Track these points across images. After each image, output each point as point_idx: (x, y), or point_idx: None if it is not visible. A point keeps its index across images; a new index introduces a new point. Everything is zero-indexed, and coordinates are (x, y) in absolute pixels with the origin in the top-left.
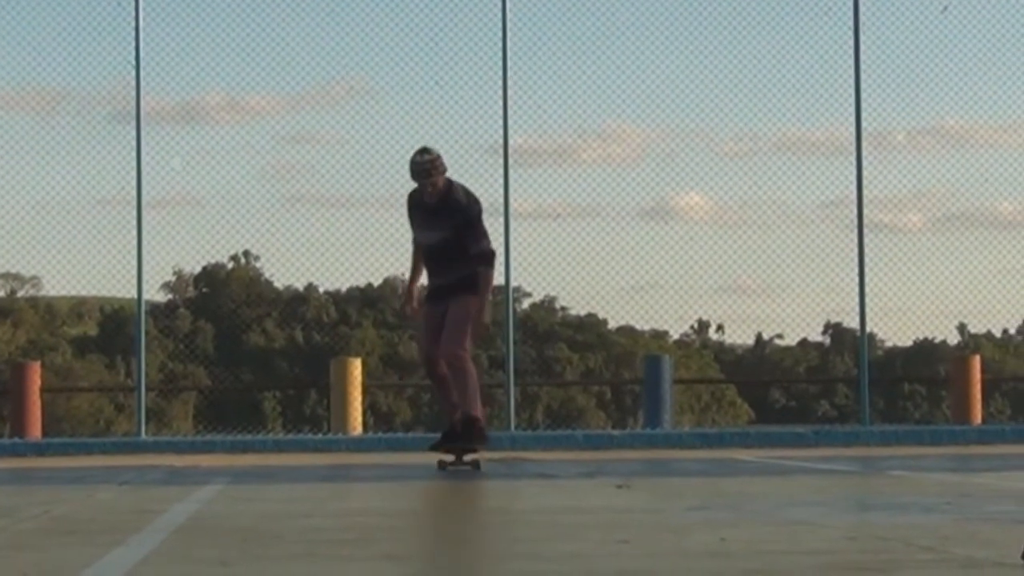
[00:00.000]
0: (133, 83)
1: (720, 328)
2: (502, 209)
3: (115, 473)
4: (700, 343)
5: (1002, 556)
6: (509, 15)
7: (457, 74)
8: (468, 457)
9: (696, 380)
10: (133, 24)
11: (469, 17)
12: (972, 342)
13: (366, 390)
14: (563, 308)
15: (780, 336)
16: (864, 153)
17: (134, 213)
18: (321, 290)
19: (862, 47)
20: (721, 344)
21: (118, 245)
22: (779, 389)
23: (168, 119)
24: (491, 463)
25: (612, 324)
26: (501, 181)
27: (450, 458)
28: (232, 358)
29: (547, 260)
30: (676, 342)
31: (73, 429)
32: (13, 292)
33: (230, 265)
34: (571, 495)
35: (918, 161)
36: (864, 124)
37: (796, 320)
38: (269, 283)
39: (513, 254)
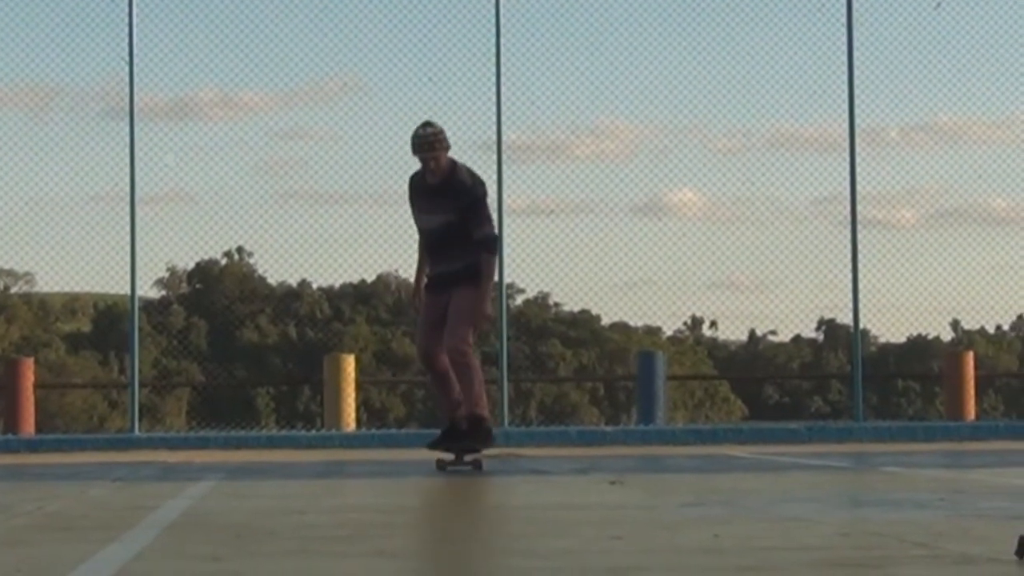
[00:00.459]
0: (126, 79)
1: (713, 324)
2: (496, 206)
3: (108, 469)
4: (693, 339)
5: (996, 552)
6: (502, 11)
7: (450, 70)
8: (469, 457)
9: (689, 376)
10: (126, 20)
11: (462, 13)
12: (966, 338)
13: (359, 386)
14: (556, 304)
15: (774, 332)
16: (857, 149)
17: (127, 209)
18: (314, 286)
19: (855, 43)
20: (714, 340)
21: (111, 241)
22: (772, 385)
23: (161, 115)
24: (485, 460)
25: (605, 320)
26: (495, 177)
27: (449, 457)
28: (225, 354)
29: (540, 256)
30: (669, 338)
31: (66, 425)
32: (6, 288)
33: (224, 261)
34: (564, 491)
35: (911, 157)
36: (857, 120)
37: (790, 316)
38: (262, 279)
39: (507, 250)
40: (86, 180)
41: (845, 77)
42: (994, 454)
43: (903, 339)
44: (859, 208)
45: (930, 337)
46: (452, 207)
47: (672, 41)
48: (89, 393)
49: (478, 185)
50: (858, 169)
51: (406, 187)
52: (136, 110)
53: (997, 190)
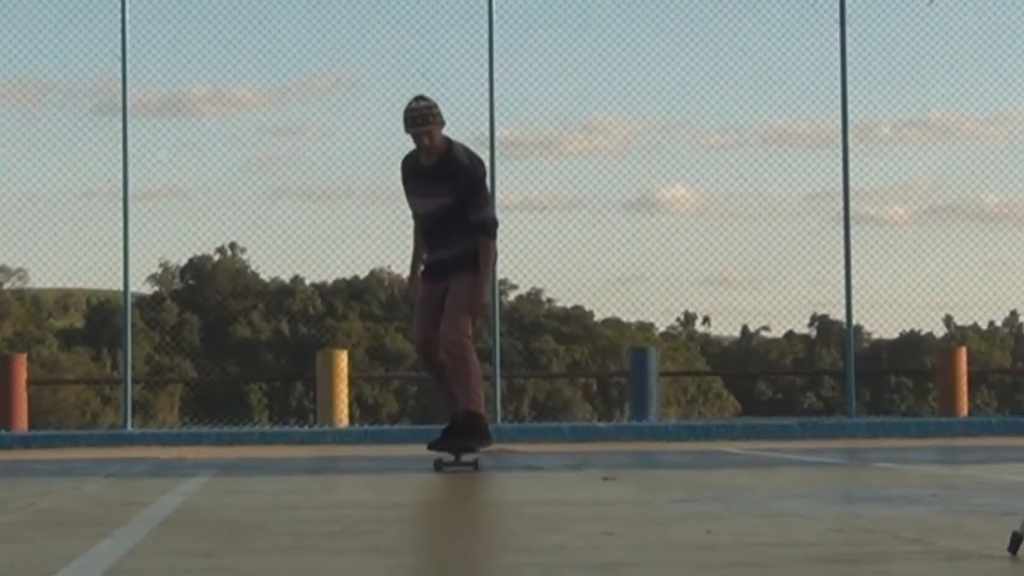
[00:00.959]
0: (118, 75)
1: (706, 320)
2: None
3: (101, 465)
4: (686, 335)
5: (988, 548)
6: (495, 6)
7: (443, 66)
8: (467, 457)
9: (682, 372)
10: (119, 16)
11: (455, 8)
12: (958, 334)
13: (352, 382)
14: (549, 300)
15: (766, 328)
16: (849, 145)
17: (120, 205)
18: (307, 282)
19: (848, 39)
20: (707, 336)
21: (104, 237)
22: (765, 381)
23: (153, 111)
24: (488, 447)
25: (598, 316)
26: (488, 174)
27: (449, 458)
28: (218, 350)
29: (533, 252)
30: (662, 334)
31: (59, 421)
32: None
33: (216, 257)
34: (557, 487)
35: (903, 153)
36: (850, 116)
37: (782, 312)
38: (255, 275)
39: (499, 246)
40: (79, 176)
41: (838, 73)
42: (987, 450)
43: (896, 335)
44: (851, 204)
45: (923, 333)
46: (449, 190)
47: (664, 36)
48: (82, 389)
49: (476, 165)
50: (850, 165)
51: (399, 170)
52: (129, 106)
53: (989, 186)
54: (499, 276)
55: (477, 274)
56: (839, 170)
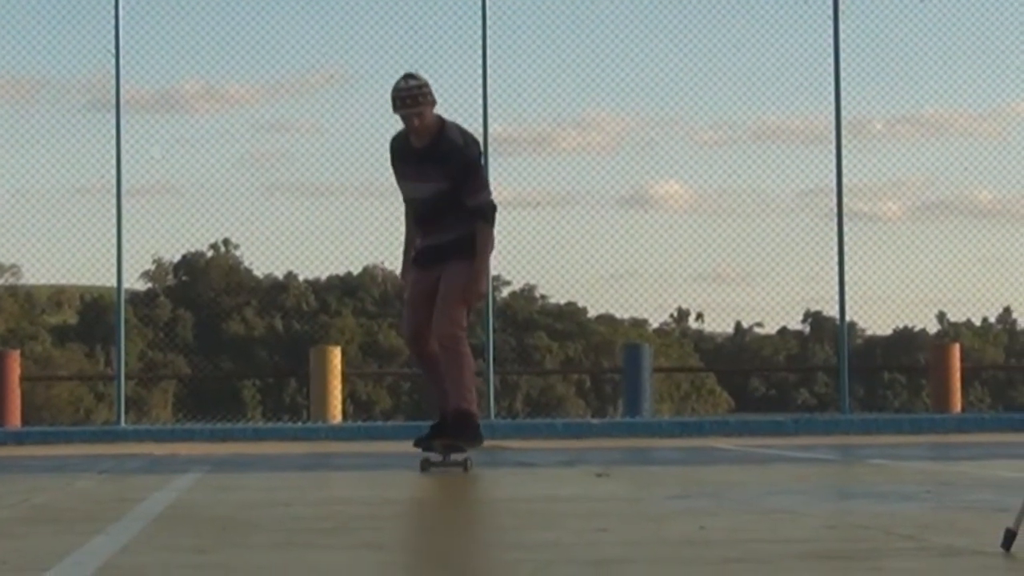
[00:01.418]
0: (111, 71)
1: (699, 317)
2: None
3: (94, 462)
4: (679, 332)
5: (981, 544)
6: (488, 3)
7: (436, 62)
8: (456, 456)
9: (676, 369)
10: (112, 13)
11: (448, 5)
12: (952, 330)
13: (346, 378)
14: (543, 297)
15: (760, 324)
16: (843, 141)
17: (114, 201)
18: (301, 278)
19: (841, 35)
20: (700, 333)
21: (98, 233)
22: (759, 378)
23: (146, 107)
24: (478, 447)
25: (592, 313)
26: None
27: (437, 458)
28: (212, 346)
29: (526, 248)
30: (656, 331)
31: (52, 418)
32: None
33: (210, 253)
34: (550, 484)
35: (896, 150)
36: (843, 112)
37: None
38: (249, 271)
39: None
40: (72, 172)
41: (831, 69)
42: (980, 446)
43: (889, 331)
44: (845, 200)
45: (916, 329)
46: (442, 173)
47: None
48: (75, 385)
49: (471, 145)
50: (844, 161)
51: (387, 150)
52: (122, 102)
53: (982, 182)
54: (492, 272)
55: (473, 261)
56: (832, 166)
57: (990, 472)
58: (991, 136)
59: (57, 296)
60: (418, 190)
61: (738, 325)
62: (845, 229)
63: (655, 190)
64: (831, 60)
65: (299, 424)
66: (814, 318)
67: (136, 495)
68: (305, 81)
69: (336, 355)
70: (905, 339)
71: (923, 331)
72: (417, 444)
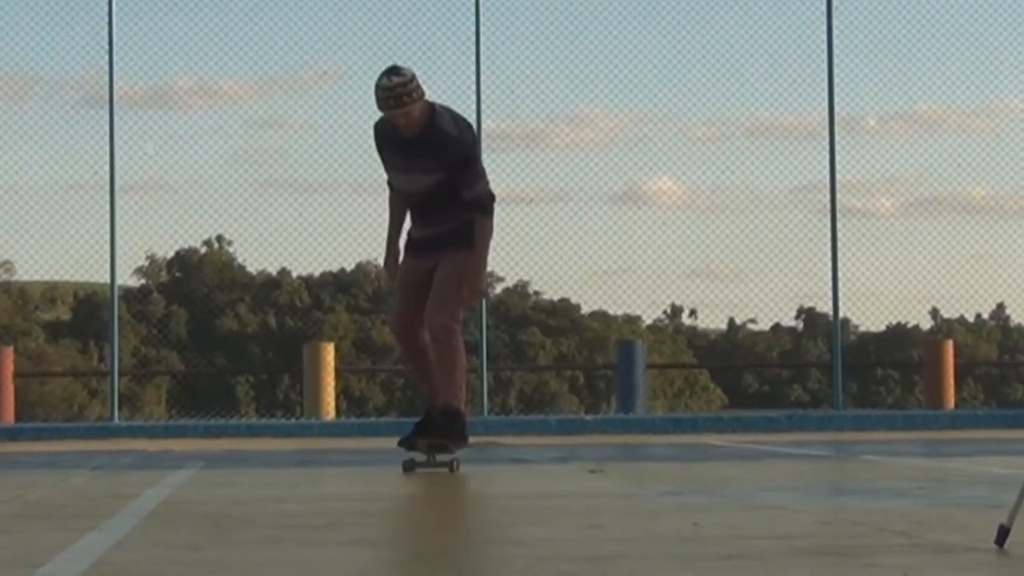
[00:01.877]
0: (104, 68)
1: (693, 313)
2: None
3: (88, 458)
4: (673, 328)
5: (975, 541)
6: None
7: (429, 58)
8: (442, 457)
9: (669, 365)
10: (105, 9)
11: (441, 1)
12: (945, 327)
13: (339, 375)
14: (536, 293)
15: (753, 321)
16: (836, 137)
17: (107, 198)
18: (294, 275)
19: (834, 31)
20: (694, 329)
21: (91, 230)
22: (752, 374)
23: (138, 104)
24: (463, 449)
25: (585, 309)
26: None
27: (421, 458)
28: (205, 343)
29: (520, 245)
30: (649, 327)
31: (46, 414)
32: None
33: (203, 250)
34: (544, 480)
35: (889, 146)
36: (836, 108)
37: (769, 305)
38: (242, 268)
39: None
40: (65, 168)
41: (824, 65)
42: (973, 443)
43: (882, 328)
44: (838, 197)
45: (909, 326)
46: (437, 164)
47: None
48: (69, 382)
49: (465, 133)
50: (837, 158)
51: (372, 136)
52: (115, 98)
53: (976, 178)
54: (487, 267)
55: (471, 251)
56: (825, 162)
57: (983, 468)
58: (984, 132)
59: (50, 292)
60: (410, 182)
61: (731, 321)
62: (838, 225)
63: (648, 186)
64: (824, 56)
65: (292, 420)
66: (807, 314)
67: (130, 491)
68: (298, 77)
69: (329, 351)
70: (898, 335)
71: (916, 327)
72: (401, 444)
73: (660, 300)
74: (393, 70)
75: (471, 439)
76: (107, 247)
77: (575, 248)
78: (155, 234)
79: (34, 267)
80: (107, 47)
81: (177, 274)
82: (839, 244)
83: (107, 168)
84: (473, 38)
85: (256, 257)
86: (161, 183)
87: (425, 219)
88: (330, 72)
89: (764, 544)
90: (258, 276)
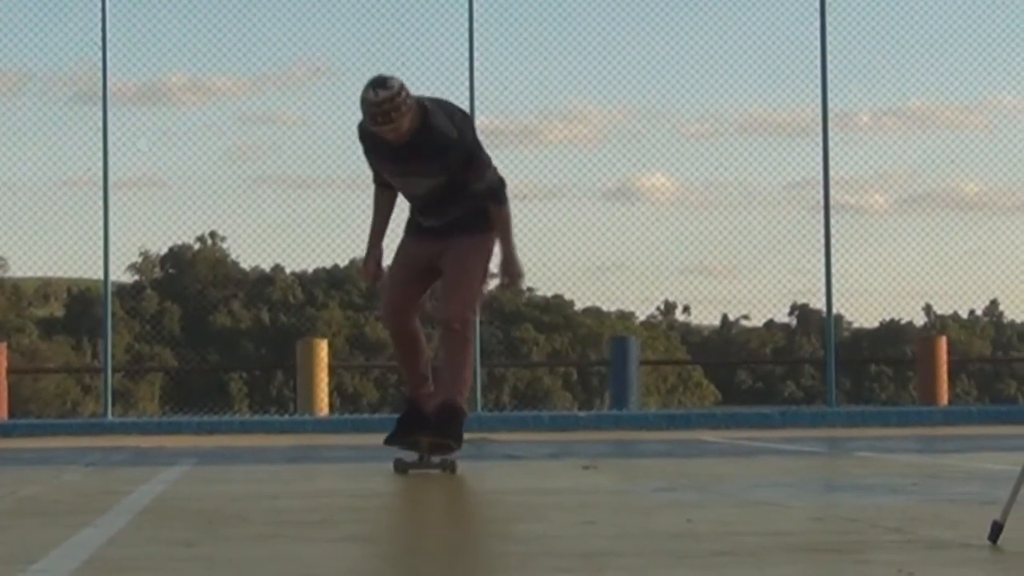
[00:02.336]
0: (97, 64)
1: (686, 309)
2: None
3: (81, 454)
4: (666, 324)
5: (968, 537)
6: None
7: (422, 55)
8: (440, 458)
9: (662, 361)
10: (98, 5)
11: None
12: (938, 323)
13: (332, 371)
14: (529, 289)
15: (746, 317)
16: (829, 134)
17: (100, 194)
18: (287, 271)
19: (828, 27)
20: (687, 325)
21: (84, 226)
22: (745, 370)
23: (132, 100)
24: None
25: (578, 305)
26: None
27: (412, 457)
28: (198, 339)
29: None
30: (642, 323)
31: (39, 410)
32: None
33: (196, 246)
34: (537, 476)
35: (882, 142)
36: (829, 105)
37: (762, 301)
38: (235, 264)
39: None
40: (59, 165)
41: (817, 61)
42: (967, 439)
43: (876, 324)
44: (831, 193)
45: (903, 322)
46: (437, 168)
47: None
48: (62, 378)
49: (464, 128)
50: (830, 154)
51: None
52: (108, 95)
53: (969, 174)
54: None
55: (489, 234)
56: (819, 159)
57: (977, 465)
58: (977, 128)
59: (44, 289)
60: (409, 185)
61: (725, 318)
62: (832, 221)
63: (641, 183)
64: (818, 52)
65: (286, 417)
66: (801, 311)
67: (123, 488)
68: (291, 74)
69: (323, 348)
70: (892, 332)
71: (910, 324)
72: (393, 442)
73: (653, 296)
74: (379, 82)
75: (463, 435)
76: (100, 243)
77: (568, 244)
78: (148, 230)
79: (27, 263)
80: (100, 43)
81: (170, 270)
82: (832, 240)
83: (100, 164)
84: (466, 33)
85: (249, 253)
86: (154, 179)
87: (431, 213)
88: (323, 68)
89: (757, 540)
90: (251, 272)
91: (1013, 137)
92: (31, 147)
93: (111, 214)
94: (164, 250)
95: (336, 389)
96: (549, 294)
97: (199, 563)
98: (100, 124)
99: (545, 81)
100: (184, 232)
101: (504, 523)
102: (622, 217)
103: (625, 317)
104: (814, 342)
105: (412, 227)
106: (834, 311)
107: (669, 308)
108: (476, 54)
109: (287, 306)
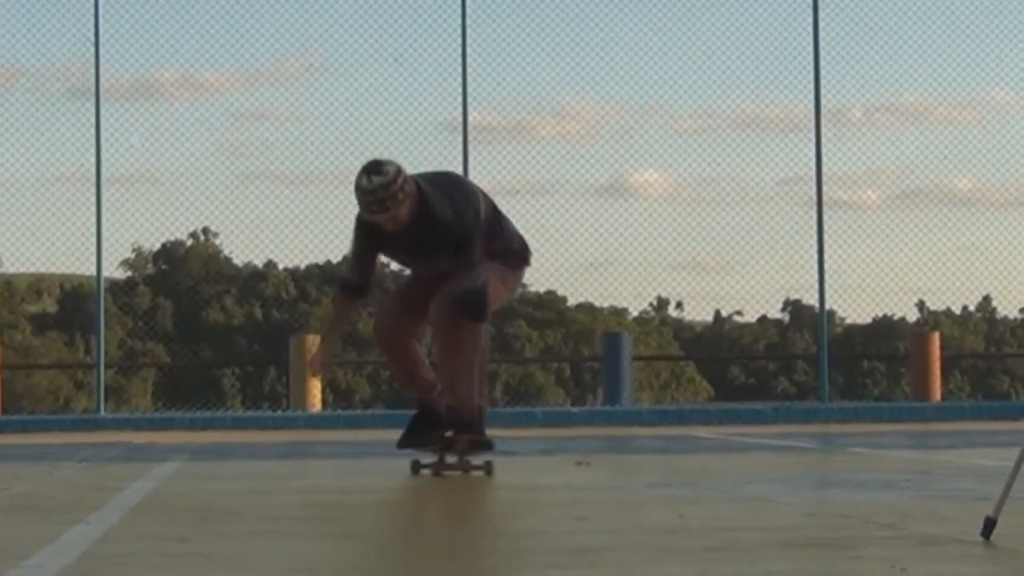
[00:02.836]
0: (89, 60)
1: (679, 305)
2: None
3: (74, 450)
4: (659, 320)
5: (961, 533)
6: None
7: (415, 51)
8: (477, 459)
9: (655, 357)
10: (91, 1)
11: None
12: (931, 319)
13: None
14: (522, 285)
15: (739, 313)
16: (822, 130)
17: (93, 190)
18: (280, 267)
19: (820, 23)
20: (680, 321)
21: (77, 222)
22: (738, 366)
23: (124, 96)
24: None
25: (571, 301)
26: (460, 158)
27: (432, 458)
28: (191, 335)
29: None
30: (635, 319)
31: (32, 406)
32: None
33: (189, 242)
34: (530, 472)
35: (875, 138)
36: (822, 101)
37: (755, 297)
38: (228, 260)
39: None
40: (51, 161)
41: (810, 57)
42: (960, 435)
43: (869, 320)
44: (824, 189)
45: (896, 318)
46: (436, 252)
47: (635, 20)
48: (55, 374)
49: (463, 214)
50: (823, 150)
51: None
52: (100, 90)
53: (961, 171)
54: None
55: (516, 271)
56: (811, 155)
57: (969, 461)
58: (970, 124)
59: (37, 285)
60: (411, 265)
61: (717, 314)
62: (824, 217)
63: (634, 178)
64: (810, 48)
65: (279, 413)
66: (794, 306)
67: (116, 484)
68: (283, 69)
69: (315, 344)
70: (885, 327)
71: (903, 319)
72: (407, 443)
73: (646, 292)
74: (373, 168)
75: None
76: (93, 239)
77: (561, 240)
78: (141, 226)
79: (20, 259)
80: (93, 39)
81: (163, 266)
82: (825, 236)
83: (93, 160)
84: (459, 30)
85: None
86: (147, 175)
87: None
88: (315, 64)
89: (750, 536)
90: (244, 268)
91: (1006, 133)
92: (23, 143)
93: (104, 210)
94: (157, 246)
95: (329, 385)
96: (542, 290)
97: (192, 559)
98: (93, 120)
99: (537, 77)
100: (177, 228)
101: (497, 519)
102: (615, 213)
103: (618, 313)
104: (807, 338)
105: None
106: (827, 307)
107: (662, 304)
108: (469, 50)
109: (280, 302)
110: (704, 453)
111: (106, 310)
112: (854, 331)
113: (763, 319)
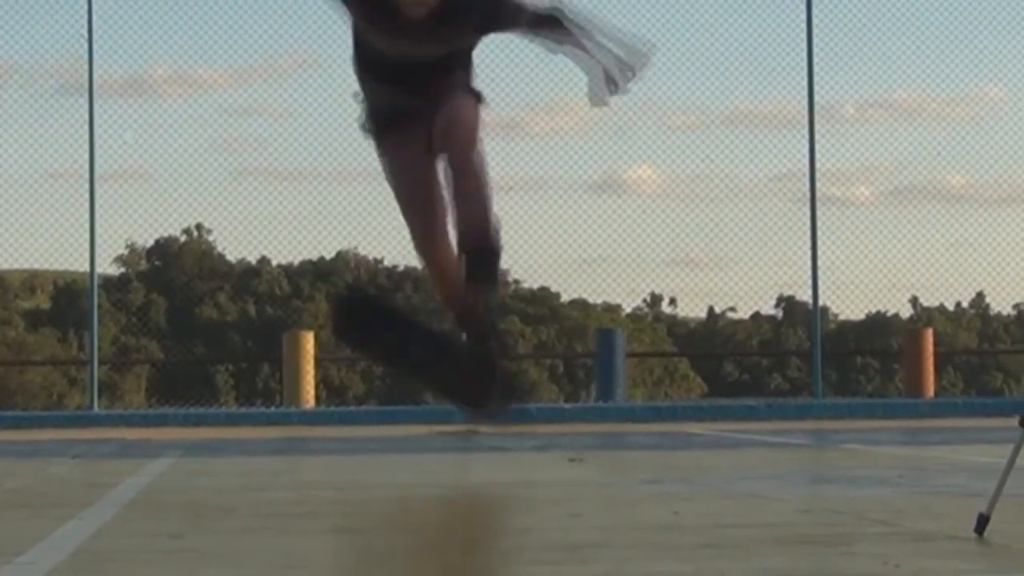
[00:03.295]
0: (82, 56)
1: (672, 301)
2: None
3: (67, 447)
4: (652, 316)
5: (954, 529)
6: None
7: None
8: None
9: (648, 353)
10: None
11: None
12: (924, 315)
13: (319, 363)
14: (515, 281)
15: (732, 309)
16: (815, 126)
17: (86, 186)
18: (274, 263)
19: (814, 19)
20: (674, 317)
21: (70, 218)
22: (732, 362)
23: (117, 92)
24: (443, 437)
25: (564, 297)
26: None
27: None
28: (185, 331)
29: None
30: (628, 315)
31: (25, 403)
32: None
33: (183, 238)
34: (523, 468)
35: (868, 134)
36: (815, 97)
37: (748, 293)
38: (222, 256)
39: None
40: (44, 157)
41: (803, 53)
42: (953, 431)
43: (862, 316)
44: (817, 185)
45: (889, 314)
46: (460, 32)
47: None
48: (48, 370)
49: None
50: (816, 146)
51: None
52: (94, 86)
53: (954, 167)
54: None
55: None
56: (804, 151)
57: (963, 457)
58: (962, 121)
59: (30, 281)
60: (409, 48)
61: (711, 310)
62: (818, 214)
63: (627, 175)
64: (803, 44)
65: (272, 409)
66: (787, 303)
67: (109, 480)
68: (276, 65)
69: (309, 340)
70: (878, 324)
71: (896, 316)
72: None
73: (639, 288)
74: None
75: (451, 428)
76: (86, 236)
77: (554, 237)
78: (134, 222)
79: (13, 256)
80: (86, 35)
81: (156, 263)
82: (818, 232)
83: (86, 156)
84: None
85: (236, 245)
86: (140, 171)
87: (405, 85)
88: (308, 60)
89: (744, 532)
90: (237, 264)
91: (998, 129)
92: (16, 139)
93: (97, 206)
94: (150, 242)
95: (322, 381)
96: (535, 286)
97: (186, 556)
98: (86, 116)
99: (529, 73)
100: (170, 224)
101: (490, 515)
102: (608, 209)
103: (611, 309)
104: (800, 334)
105: (382, 124)
106: (820, 303)
107: (655, 300)
108: None
109: (273, 298)
110: (698, 449)
111: (99, 306)
112: (847, 327)
113: (756, 315)
